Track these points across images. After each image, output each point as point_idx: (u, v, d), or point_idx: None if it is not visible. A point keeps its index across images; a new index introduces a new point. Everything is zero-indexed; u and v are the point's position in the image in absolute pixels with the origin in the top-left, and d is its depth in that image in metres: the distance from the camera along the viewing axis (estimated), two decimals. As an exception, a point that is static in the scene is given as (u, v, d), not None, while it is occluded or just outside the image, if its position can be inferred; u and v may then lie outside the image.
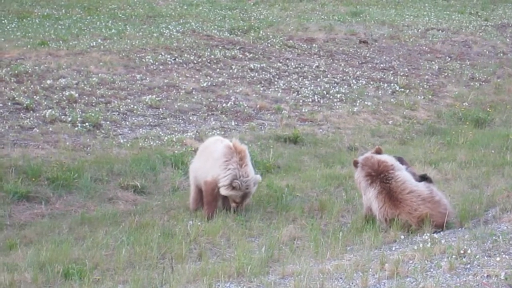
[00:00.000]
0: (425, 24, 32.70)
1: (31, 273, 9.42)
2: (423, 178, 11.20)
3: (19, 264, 9.86)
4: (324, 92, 21.77)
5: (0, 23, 26.87)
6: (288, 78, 22.79)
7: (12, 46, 22.58)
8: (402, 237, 10.11)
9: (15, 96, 18.14)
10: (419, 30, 31.32)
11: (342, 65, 25.11)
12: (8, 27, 26.13)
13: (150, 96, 19.53)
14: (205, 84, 21.07)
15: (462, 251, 8.61)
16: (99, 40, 24.33)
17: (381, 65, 25.71)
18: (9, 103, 17.80)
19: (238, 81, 21.82)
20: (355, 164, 11.36)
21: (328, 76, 23.64)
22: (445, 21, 33.50)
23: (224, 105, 19.62)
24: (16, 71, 19.88)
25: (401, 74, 24.74)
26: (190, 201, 12.77)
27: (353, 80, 23.41)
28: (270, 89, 21.54)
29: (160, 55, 23.15)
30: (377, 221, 10.90)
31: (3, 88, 18.65)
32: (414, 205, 10.65)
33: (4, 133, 16.02)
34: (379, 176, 10.95)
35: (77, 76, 20.29)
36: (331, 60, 25.55)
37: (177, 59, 23.04)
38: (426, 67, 26.06)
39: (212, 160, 12.27)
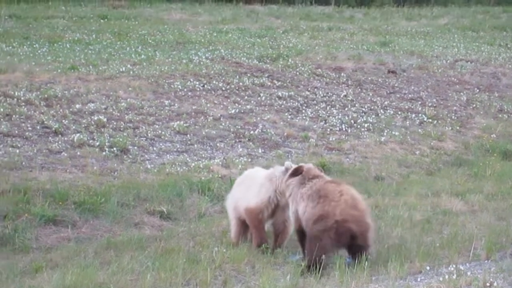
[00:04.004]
0: (454, 55, 32.59)
1: (57, 297, 9.48)
2: None
3: (44, 287, 9.91)
4: (352, 121, 21.75)
5: (32, 47, 27.12)
6: (316, 107, 22.80)
7: (42, 70, 22.74)
8: (428, 268, 10.08)
9: (44, 119, 18.28)
10: (448, 61, 31.22)
11: (370, 94, 25.09)
12: (39, 51, 26.35)
13: (178, 122, 19.60)
14: (233, 111, 21.13)
15: (488, 284, 8.56)
16: (129, 66, 24.47)
17: (409, 96, 25.67)
18: (38, 127, 17.94)
19: (266, 109, 21.86)
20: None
21: (356, 105, 23.63)
22: (474, 53, 33.40)
23: (251, 132, 19.66)
24: (46, 95, 20.01)
25: (429, 104, 24.67)
26: (232, 236, 12.45)
27: (381, 110, 23.39)
28: (298, 117, 21.55)
29: (189, 82, 23.24)
30: None
31: (32, 111, 18.80)
32: None
33: (33, 157, 16.14)
34: None
35: (106, 101, 20.41)
36: (359, 90, 25.55)
37: (205, 86, 23.12)
38: (454, 98, 25.98)
39: (254, 187, 12.02)
